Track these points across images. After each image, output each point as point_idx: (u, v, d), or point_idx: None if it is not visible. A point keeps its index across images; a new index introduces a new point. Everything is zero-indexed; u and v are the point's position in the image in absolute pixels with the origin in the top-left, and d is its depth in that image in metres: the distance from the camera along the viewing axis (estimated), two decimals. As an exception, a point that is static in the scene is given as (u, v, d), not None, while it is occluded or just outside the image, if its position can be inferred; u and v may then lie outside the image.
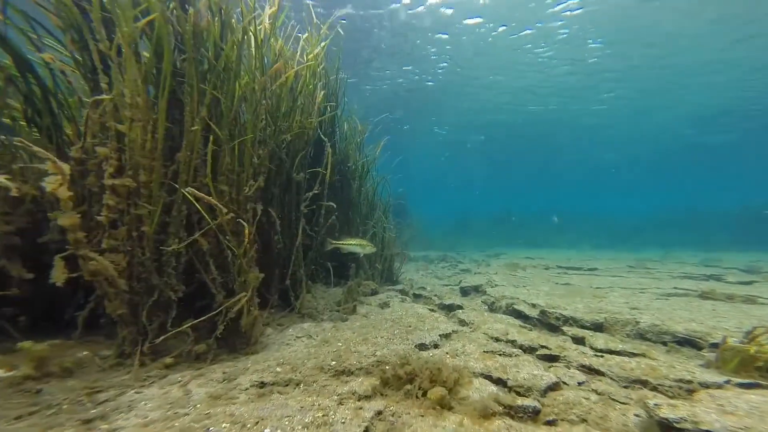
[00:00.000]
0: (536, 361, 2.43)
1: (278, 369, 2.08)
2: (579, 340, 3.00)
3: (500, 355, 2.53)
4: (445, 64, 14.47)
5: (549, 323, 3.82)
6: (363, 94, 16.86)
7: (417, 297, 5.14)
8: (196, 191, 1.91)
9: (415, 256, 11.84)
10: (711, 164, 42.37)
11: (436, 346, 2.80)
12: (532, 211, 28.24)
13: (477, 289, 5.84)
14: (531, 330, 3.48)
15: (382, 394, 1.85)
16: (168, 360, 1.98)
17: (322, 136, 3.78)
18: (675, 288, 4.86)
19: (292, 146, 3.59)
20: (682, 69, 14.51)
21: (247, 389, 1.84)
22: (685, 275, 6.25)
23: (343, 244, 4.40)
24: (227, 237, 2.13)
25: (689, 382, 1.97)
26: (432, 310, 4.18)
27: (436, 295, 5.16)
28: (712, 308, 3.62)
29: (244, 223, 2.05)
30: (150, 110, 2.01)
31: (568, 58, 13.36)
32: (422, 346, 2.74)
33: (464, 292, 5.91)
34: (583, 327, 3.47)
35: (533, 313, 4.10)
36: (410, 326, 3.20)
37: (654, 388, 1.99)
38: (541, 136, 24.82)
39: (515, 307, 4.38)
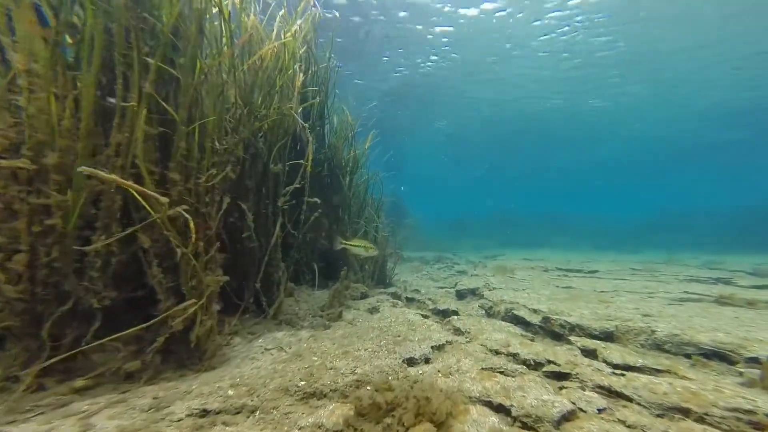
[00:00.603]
0: (544, 380, 2.05)
1: (230, 392, 1.69)
2: (590, 353, 2.62)
3: (501, 373, 2.14)
4: (437, 58, 14.06)
5: (552, 331, 3.44)
6: (358, 88, 16.40)
7: (410, 301, 4.76)
8: (119, 178, 1.52)
9: (411, 256, 11.46)
10: (710, 164, 42.19)
11: (427, 361, 2.41)
12: (530, 211, 27.93)
13: (474, 293, 5.46)
14: (534, 340, 3.10)
15: (355, 430, 1.46)
16: (79, 383, 1.59)
17: (303, 124, 3.39)
18: (685, 292, 4.49)
19: (270, 135, 3.19)
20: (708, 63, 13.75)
21: (180, 420, 1.44)
22: (691, 278, 5.90)
23: (351, 245, 4.24)
24: (172, 232, 1.74)
25: (751, 412, 1.58)
26: (425, 317, 3.79)
27: (429, 299, 4.77)
28: (734, 315, 3.25)
29: (187, 216, 1.66)
30: (69, 81, 1.62)
31: (577, 46, 12.69)
32: (411, 361, 2.35)
33: (460, 295, 5.53)
34: (591, 336, 3.09)
35: (535, 319, 3.72)
36: (399, 336, 2.81)
37: (701, 419, 1.60)
38: (541, 133, 24.39)
39: (515, 312, 4.00)
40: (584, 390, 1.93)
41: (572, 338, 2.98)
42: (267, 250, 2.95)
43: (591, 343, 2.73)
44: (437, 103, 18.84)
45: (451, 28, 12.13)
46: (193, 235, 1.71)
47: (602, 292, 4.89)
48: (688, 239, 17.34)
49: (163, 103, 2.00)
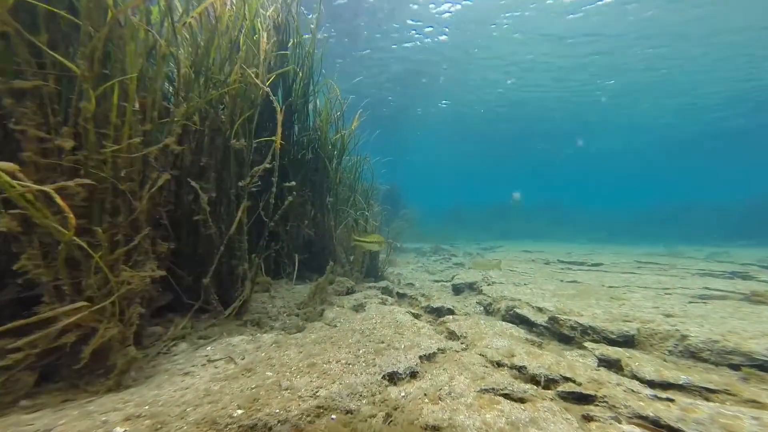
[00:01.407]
0: (562, 407, 1.56)
1: (119, 430, 1.19)
2: (612, 364, 2.13)
3: (506, 396, 1.65)
4: (445, 36, 13.32)
5: (561, 333, 2.96)
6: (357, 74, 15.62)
7: (401, 297, 4.27)
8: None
9: (407, 248, 10.98)
10: (709, 155, 41.51)
11: (413, 376, 1.92)
12: (530, 203, 27.40)
13: (471, 287, 4.98)
14: (542, 347, 2.61)
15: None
16: None
17: (268, 91, 2.84)
18: (706, 288, 4.01)
19: (233, 106, 2.65)
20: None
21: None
22: (704, 272, 5.42)
23: (365, 241, 4.07)
24: (37, 212, 1.23)
25: None
26: (416, 316, 3.30)
27: (423, 295, 4.29)
28: (775, 317, 2.77)
29: (53, 193, 1.14)
30: None
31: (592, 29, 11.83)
32: (393, 377, 1.86)
33: (457, 290, 5.05)
34: (608, 341, 2.61)
35: (540, 319, 3.24)
36: (383, 342, 2.32)
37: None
38: (541, 123, 23.65)
39: (518, 311, 3.52)
40: (620, 422, 1.44)
41: (587, 344, 2.49)
42: (226, 239, 2.43)
43: (612, 351, 2.24)
44: (437, 86, 18.02)
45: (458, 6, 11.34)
46: (69, 216, 1.19)
47: (612, 287, 4.40)
48: (681, 232, 16.90)
49: (49, 51, 1.46)
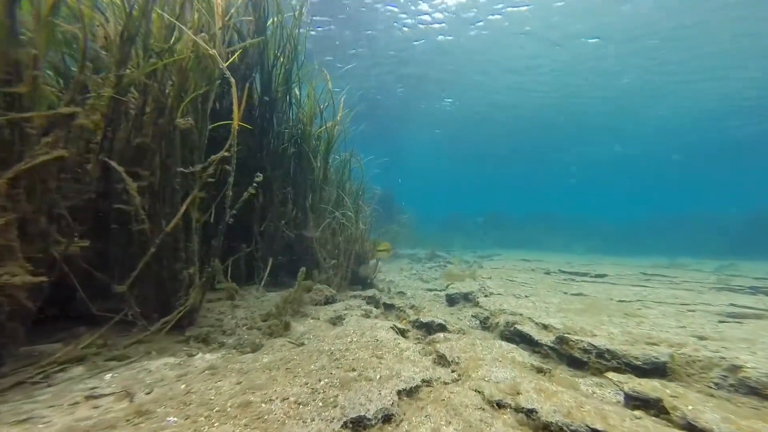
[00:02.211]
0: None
1: None
2: (651, 404, 1.62)
3: (513, 464, 1.14)
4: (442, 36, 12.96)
5: (572, 357, 2.45)
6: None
7: (388, 308, 3.75)
8: None
9: (402, 254, 10.48)
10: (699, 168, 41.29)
11: (386, 420, 1.40)
12: (525, 212, 26.94)
13: (467, 298, 4.47)
14: (551, 375, 2.09)
15: None
16: None
17: (223, 67, 2.36)
18: (732, 305, 3.51)
19: (180, 80, 2.17)
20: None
21: None
22: (721, 287, 4.92)
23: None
24: None
25: None
26: (402, 332, 2.79)
27: (413, 307, 3.78)
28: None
29: None
30: None
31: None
32: (358, 426, 1.34)
33: (451, 300, 4.53)
34: (632, 368, 2.10)
35: (546, 338, 2.73)
36: (354, 369, 1.81)
37: None
38: (538, 131, 23.24)
39: (519, 328, 3.01)
40: None
41: (610, 374, 1.98)
42: (160, 237, 1.92)
43: (648, 387, 1.73)
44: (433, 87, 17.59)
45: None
46: None
47: (622, 301, 3.90)
48: (678, 243, 16.44)
49: None
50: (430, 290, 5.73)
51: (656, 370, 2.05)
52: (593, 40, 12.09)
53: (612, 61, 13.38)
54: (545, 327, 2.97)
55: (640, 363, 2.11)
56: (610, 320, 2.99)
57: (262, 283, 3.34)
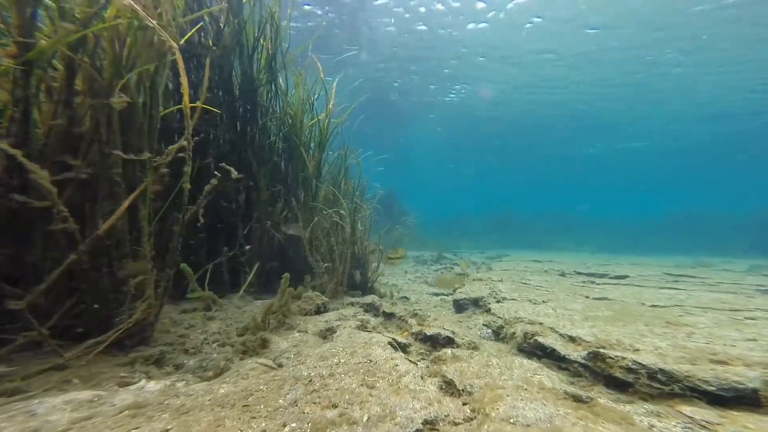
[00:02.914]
0: None
1: None
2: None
3: None
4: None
5: (611, 378, 1.98)
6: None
7: (388, 317, 3.30)
8: None
9: (407, 255, 10.00)
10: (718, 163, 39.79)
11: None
12: (534, 211, 26.13)
13: (477, 303, 3.99)
14: (593, 405, 1.62)
15: None
16: None
17: (171, 43, 1.96)
18: (790, 310, 2.98)
19: (121, 55, 1.76)
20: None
21: None
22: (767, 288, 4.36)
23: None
24: None
25: None
26: (402, 348, 2.34)
27: (416, 315, 3.32)
28: None
29: None
30: None
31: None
32: None
33: (459, 306, 4.06)
34: (700, 393, 1.61)
35: (575, 353, 2.26)
36: (335, 405, 1.37)
37: None
38: (548, 127, 22.44)
39: (540, 340, 2.54)
40: None
41: (683, 408, 1.50)
42: (91, 239, 1.51)
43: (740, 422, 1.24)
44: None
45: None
46: None
47: (657, 306, 3.39)
48: (694, 242, 15.64)
49: None
50: (436, 294, 5.26)
51: (741, 398, 1.56)
52: (594, 31, 11.51)
53: (626, 53, 12.75)
54: (572, 339, 2.49)
55: (713, 389, 1.62)
56: (651, 330, 2.49)
57: (241, 291, 2.91)
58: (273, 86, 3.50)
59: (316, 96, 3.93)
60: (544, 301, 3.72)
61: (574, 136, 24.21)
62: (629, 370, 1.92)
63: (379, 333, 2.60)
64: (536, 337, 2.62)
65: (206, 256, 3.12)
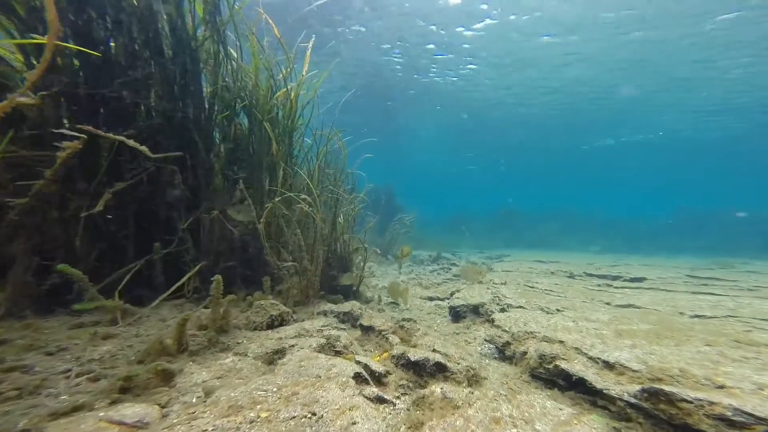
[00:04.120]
0: None
1: None
2: None
3: None
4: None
5: (688, 429, 1.27)
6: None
7: (367, 331, 2.58)
8: None
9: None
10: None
11: None
12: (534, 209, 25.23)
13: (476, 311, 3.28)
14: None
15: None
16: None
17: None
18: None
19: None
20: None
21: None
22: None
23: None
24: None
25: None
26: (373, 380, 1.64)
27: (403, 327, 2.60)
28: None
29: None
30: None
31: None
32: None
33: (456, 314, 3.36)
34: None
35: (617, 387, 1.59)
36: None
37: None
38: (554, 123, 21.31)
39: (563, 366, 1.85)
40: None
41: None
42: None
43: None
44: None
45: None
46: None
47: (701, 317, 2.68)
48: (703, 242, 14.86)
49: None
50: (431, 299, 4.56)
51: None
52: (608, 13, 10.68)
53: (641, 46, 11.89)
54: (609, 365, 1.79)
55: None
56: (721, 354, 1.79)
57: (153, 302, 2.21)
58: (221, 48, 2.79)
59: (289, 68, 3.22)
60: (558, 310, 3.01)
61: (587, 126, 22.73)
62: (729, 422, 1.21)
63: (347, 358, 1.90)
64: (558, 362, 1.92)
65: (135, 255, 2.42)
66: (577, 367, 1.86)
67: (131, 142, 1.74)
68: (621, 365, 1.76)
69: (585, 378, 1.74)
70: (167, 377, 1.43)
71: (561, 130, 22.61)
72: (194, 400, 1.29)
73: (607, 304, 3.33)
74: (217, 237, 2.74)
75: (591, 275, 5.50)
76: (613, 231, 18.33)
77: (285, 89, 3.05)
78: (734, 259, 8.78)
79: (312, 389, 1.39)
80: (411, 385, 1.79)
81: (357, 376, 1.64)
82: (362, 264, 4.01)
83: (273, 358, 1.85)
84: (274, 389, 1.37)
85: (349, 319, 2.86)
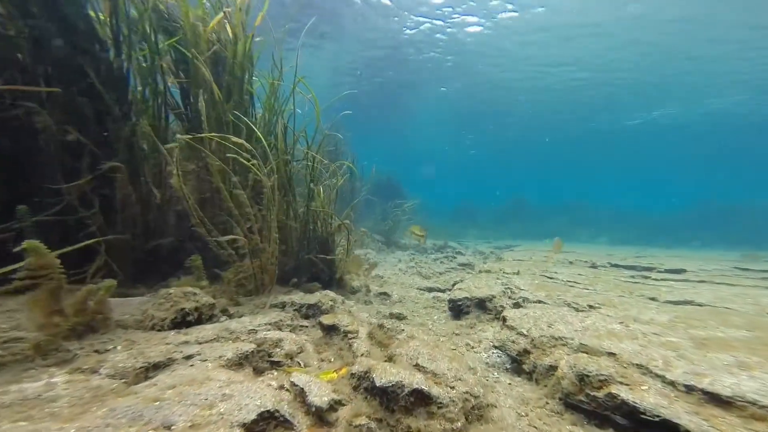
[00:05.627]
0: None
1: None
2: None
3: None
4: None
5: None
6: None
7: (329, 333, 1.83)
8: None
9: (406, 243, 8.54)
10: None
11: None
12: (546, 200, 23.90)
13: (483, 307, 2.52)
14: None
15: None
16: None
17: None
18: None
19: None
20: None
21: None
22: None
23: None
24: None
25: None
26: (318, 420, 0.88)
27: (382, 327, 1.84)
28: None
29: None
30: None
31: None
32: None
33: (457, 310, 2.60)
34: None
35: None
36: None
37: None
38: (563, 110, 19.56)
39: (624, 397, 1.06)
40: None
41: None
42: None
43: None
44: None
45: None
46: None
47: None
48: (720, 233, 13.63)
49: None
50: (429, 290, 3.81)
51: None
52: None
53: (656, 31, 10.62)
54: (716, 399, 1.02)
55: None
56: None
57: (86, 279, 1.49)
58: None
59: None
60: (591, 306, 2.23)
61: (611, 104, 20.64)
62: None
63: (288, 371, 1.17)
64: (612, 388, 1.15)
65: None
66: (651, 399, 1.09)
67: None
68: (739, 400, 0.99)
69: (677, 422, 0.98)
70: None
71: (599, 107, 20.02)
72: None
73: (653, 299, 2.53)
74: (132, 208, 2.02)
75: (617, 266, 4.65)
76: (623, 223, 17.15)
77: (220, 15, 2.27)
78: (764, 252, 7.76)
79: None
80: (373, 427, 1.05)
81: (267, 418, 0.90)
82: (347, 247, 3.27)
83: (146, 375, 1.13)
84: None
85: (315, 314, 2.14)
